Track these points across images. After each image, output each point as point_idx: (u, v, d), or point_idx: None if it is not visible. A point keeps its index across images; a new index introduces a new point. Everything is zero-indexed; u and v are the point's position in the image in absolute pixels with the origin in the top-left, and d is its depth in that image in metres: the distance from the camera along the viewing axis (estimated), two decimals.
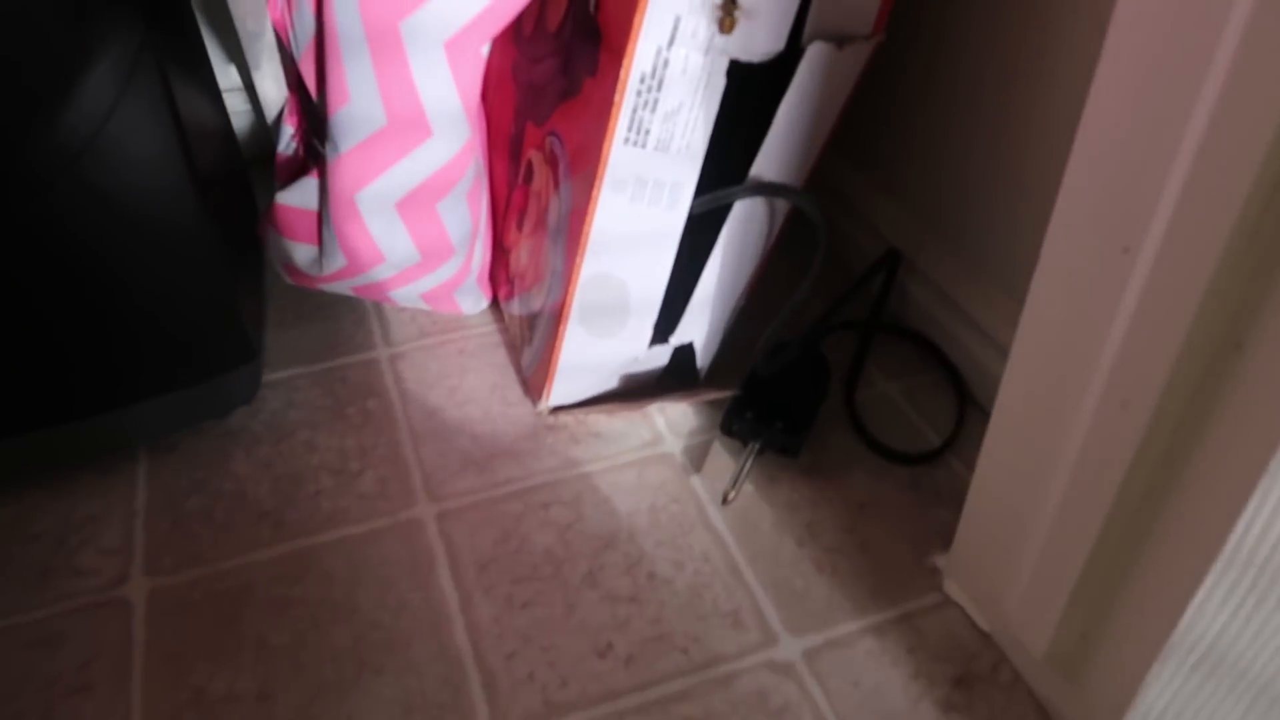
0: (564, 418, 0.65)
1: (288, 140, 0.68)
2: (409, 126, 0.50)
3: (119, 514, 0.58)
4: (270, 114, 0.74)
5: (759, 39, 0.51)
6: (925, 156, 0.68)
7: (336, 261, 0.57)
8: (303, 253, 0.58)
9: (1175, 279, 0.35)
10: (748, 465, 0.59)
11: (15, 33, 0.46)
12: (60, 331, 0.53)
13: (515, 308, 0.69)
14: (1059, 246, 0.39)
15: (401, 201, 0.54)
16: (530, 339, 0.66)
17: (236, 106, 0.89)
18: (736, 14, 0.49)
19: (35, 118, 0.48)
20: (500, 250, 0.72)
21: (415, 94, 0.49)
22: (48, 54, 0.48)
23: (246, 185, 0.77)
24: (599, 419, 0.65)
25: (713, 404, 0.65)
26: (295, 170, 0.65)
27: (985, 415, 0.63)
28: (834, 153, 0.79)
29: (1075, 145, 0.38)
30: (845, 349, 0.70)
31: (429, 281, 0.63)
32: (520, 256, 0.68)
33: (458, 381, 0.68)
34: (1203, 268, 0.33)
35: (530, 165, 0.65)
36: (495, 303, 0.74)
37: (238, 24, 0.56)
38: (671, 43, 0.50)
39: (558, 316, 0.60)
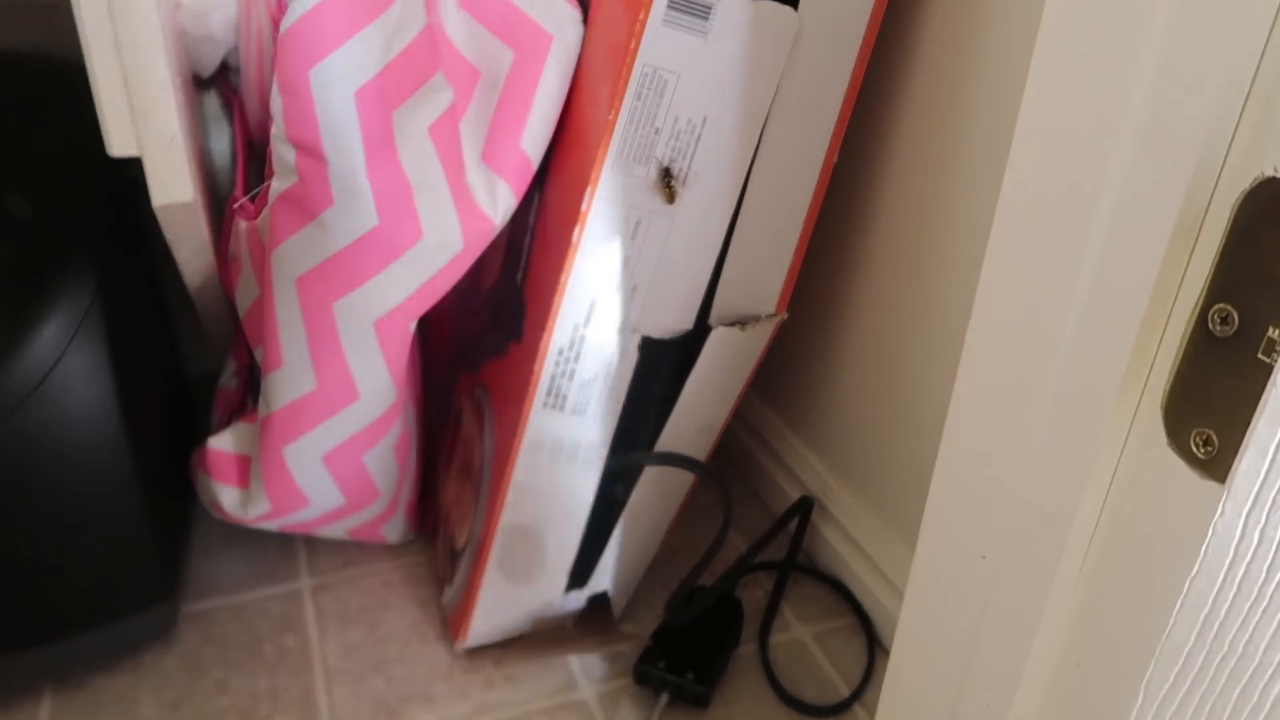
0: (481, 659, 0.65)
1: (230, 374, 0.70)
2: (338, 391, 0.53)
3: None
4: (216, 345, 0.77)
5: (669, 318, 0.56)
6: (839, 412, 0.72)
7: (262, 507, 0.59)
8: (230, 495, 0.60)
9: (1021, 594, 0.38)
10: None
11: None
12: None
13: (441, 541, 0.71)
14: (928, 549, 0.42)
15: (328, 454, 0.56)
16: (452, 577, 0.67)
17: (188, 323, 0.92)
18: (674, 184, 0.51)
19: None
20: (429, 484, 0.74)
21: (345, 365, 0.52)
22: None
23: (187, 407, 0.80)
24: (515, 662, 0.65)
25: (627, 649, 0.66)
26: (233, 407, 0.68)
27: None
28: (756, 395, 0.83)
29: (939, 457, 0.41)
30: (762, 588, 0.72)
31: (354, 520, 0.65)
32: (447, 493, 0.70)
33: (379, 617, 0.68)
34: (1041, 585, 0.36)
35: (460, 410, 0.68)
36: (423, 531, 0.75)
37: (186, 280, 0.60)
38: (588, 322, 0.54)
39: (478, 559, 0.62)
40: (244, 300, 0.59)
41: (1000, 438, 0.36)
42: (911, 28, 0.59)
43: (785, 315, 0.59)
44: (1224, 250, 0.28)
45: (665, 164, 0.51)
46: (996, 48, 0.53)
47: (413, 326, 0.53)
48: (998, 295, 0.34)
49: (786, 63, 0.51)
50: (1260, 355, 0.28)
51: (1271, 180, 0.27)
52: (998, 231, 0.33)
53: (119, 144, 0.47)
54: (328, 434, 0.55)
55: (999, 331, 0.34)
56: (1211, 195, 0.28)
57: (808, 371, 0.75)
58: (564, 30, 0.52)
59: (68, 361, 0.53)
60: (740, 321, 0.57)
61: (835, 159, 0.56)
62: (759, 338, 0.59)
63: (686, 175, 0.52)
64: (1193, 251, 0.29)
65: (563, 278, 0.53)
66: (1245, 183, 0.27)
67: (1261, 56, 0.27)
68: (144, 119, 0.46)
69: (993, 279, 0.34)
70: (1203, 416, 0.30)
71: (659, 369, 0.57)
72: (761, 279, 0.58)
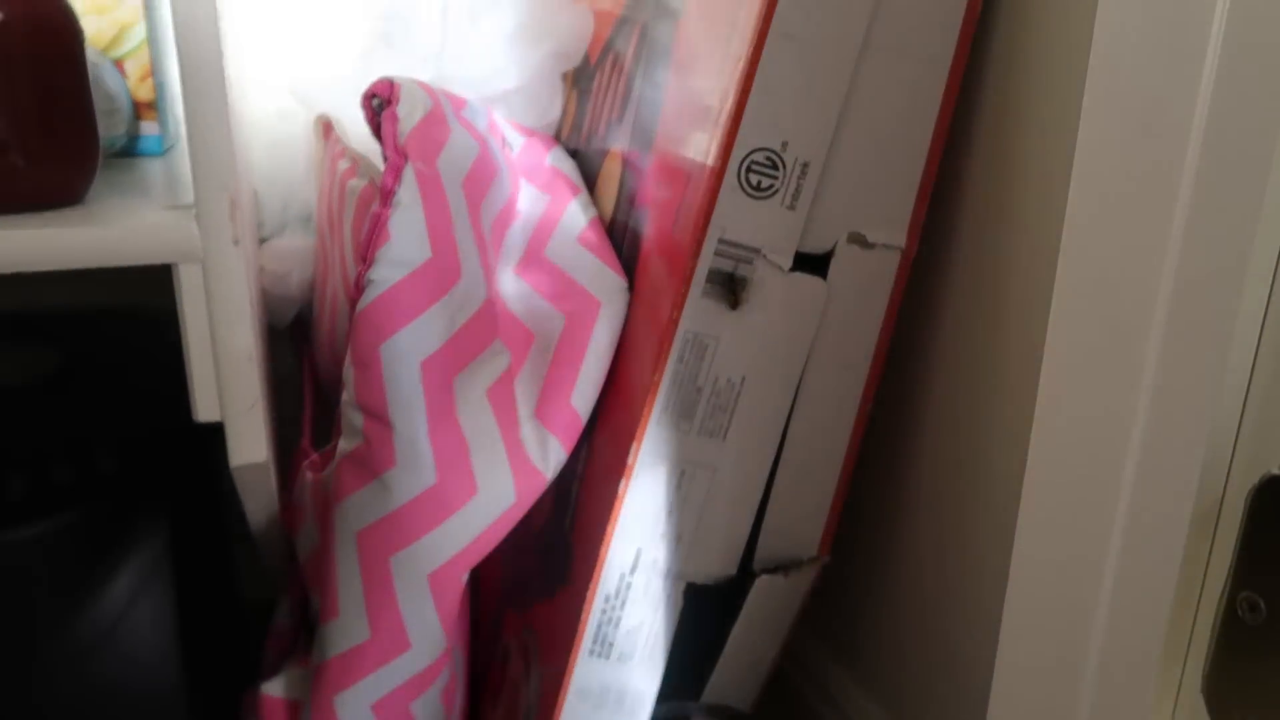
0: None
1: (284, 611, 0.72)
2: (390, 641, 0.54)
3: None
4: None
5: (713, 565, 0.57)
6: (891, 651, 0.71)
7: None
8: None
9: None
10: None
11: (48, 558, 0.52)
12: None
13: None
14: None
15: (378, 703, 0.57)
16: None
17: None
18: (739, 291, 0.51)
19: (53, 627, 0.53)
20: None
21: (399, 616, 0.54)
22: (75, 570, 0.54)
23: (246, 635, 0.81)
24: None
25: None
26: (287, 645, 0.69)
27: None
28: (811, 636, 0.82)
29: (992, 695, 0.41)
30: None
31: None
32: None
33: None
34: None
35: (508, 650, 0.69)
36: None
37: (251, 525, 0.63)
38: (634, 569, 0.56)
39: None
40: (304, 546, 0.61)
41: (1046, 716, 0.36)
42: (934, 290, 0.63)
43: (828, 558, 0.60)
44: (1243, 541, 0.30)
45: (730, 271, 0.51)
46: (1018, 319, 0.56)
47: (465, 577, 0.55)
48: (1031, 579, 0.35)
49: (818, 327, 0.54)
50: None
51: (1277, 479, 0.28)
52: (1023, 522, 0.35)
53: (205, 411, 0.51)
54: (378, 683, 0.56)
55: (1037, 617, 0.35)
56: (1224, 489, 0.30)
57: (859, 609, 0.75)
58: (612, 297, 0.56)
59: (136, 611, 0.55)
60: (783, 566, 0.58)
61: (870, 405, 0.59)
62: (802, 582, 0.59)
63: (729, 422, 0.55)
64: (1213, 542, 0.30)
65: (609, 527, 0.55)
66: (1254, 479, 0.29)
67: (1255, 359, 0.30)
68: (229, 388, 0.51)
69: (1023, 571, 0.36)
70: (1244, 701, 0.30)
71: (704, 615, 0.57)
72: (803, 524, 0.59)
